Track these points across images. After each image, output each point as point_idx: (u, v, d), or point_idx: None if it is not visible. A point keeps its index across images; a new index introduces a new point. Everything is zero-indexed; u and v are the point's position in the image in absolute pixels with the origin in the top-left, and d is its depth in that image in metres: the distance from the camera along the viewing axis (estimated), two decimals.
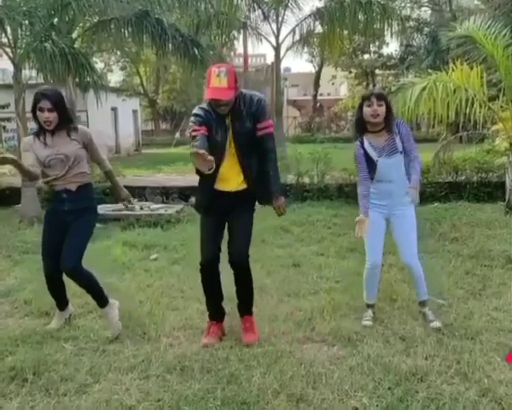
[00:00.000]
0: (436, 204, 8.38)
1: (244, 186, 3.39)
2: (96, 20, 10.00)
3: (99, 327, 3.71)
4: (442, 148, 8.13)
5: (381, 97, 3.54)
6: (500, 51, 6.75)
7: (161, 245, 6.14)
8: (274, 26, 14.61)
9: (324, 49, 16.45)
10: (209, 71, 3.21)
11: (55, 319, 3.78)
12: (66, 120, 3.52)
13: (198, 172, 3.18)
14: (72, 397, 2.80)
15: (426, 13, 26.44)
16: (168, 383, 2.92)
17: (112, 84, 27.69)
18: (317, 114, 34.57)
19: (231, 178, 3.36)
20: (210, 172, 2.99)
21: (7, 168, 13.24)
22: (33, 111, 3.46)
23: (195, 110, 3.33)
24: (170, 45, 10.17)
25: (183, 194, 9.48)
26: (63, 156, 3.47)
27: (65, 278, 3.62)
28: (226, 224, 3.47)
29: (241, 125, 3.28)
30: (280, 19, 14.54)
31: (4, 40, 8.67)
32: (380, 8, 13.08)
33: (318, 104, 36.10)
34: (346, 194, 8.64)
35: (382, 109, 3.52)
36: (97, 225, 7.06)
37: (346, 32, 14.30)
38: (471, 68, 6.85)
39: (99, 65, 25.65)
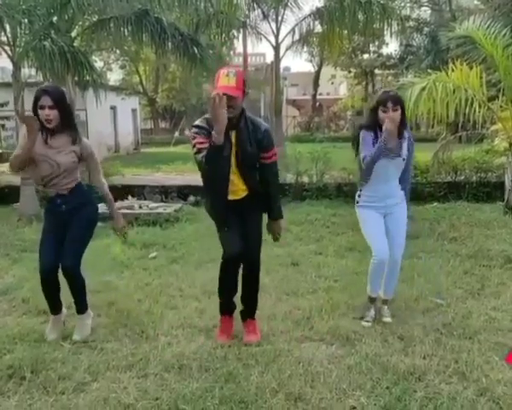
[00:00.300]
0: (435, 204, 8.39)
1: (248, 193, 3.41)
2: (95, 19, 9.98)
3: (97, 325, 3.70)
4: (441, 148, 8.13)
5: (397, 102, 3.46)
6: (499, 51, 6.75)
7: (160, 244, 6.13)
8: (273, 25, 14.61)
9: (324, 48, 16.46)
10: (218, 72, 3.22)
11: (50, 327, 3.58)
12: (68, 122, 3.43)
13: (209, 183, 3.30)
14: (70, 395, 2.80)
15: (425, 13, 26.51)
16: (166, 381, 2.92)
17: (111, 83, 27.66)
18: (317, 113, 34.59)
19: (235, 191, 3.37)
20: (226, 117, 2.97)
21: (6, 167, 13.25)
22: (34, 109, 3.37)
23: (199, 122, 3.26)
24: (169, 44, 10.16)
25: (181, 193, 9.48)
26: (54, 164, 3.38)
27: (60, 278, 3.55)
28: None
29: (245, 145, 3.26)
30: (279, 18, 14.54)
31: (3, 38, 8.66)
32: (379, 7, 13.08)
33: (318, 104, 36.11)
34: (344, 193, 8.64)
35: (398, 114, 3.46)
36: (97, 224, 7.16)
37: (345, 32, 14.27)
38: (470, 68, 6.85)
39: (98, 63, 25.60)
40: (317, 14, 14.07)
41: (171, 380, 2.93)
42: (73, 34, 10.07)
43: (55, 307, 3.59)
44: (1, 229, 7.17)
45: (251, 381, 2.87)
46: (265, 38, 14.95)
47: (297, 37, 14.80)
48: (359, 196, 3.76)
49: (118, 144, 23.53)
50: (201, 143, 3.16)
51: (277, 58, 15.00)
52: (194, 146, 3.21)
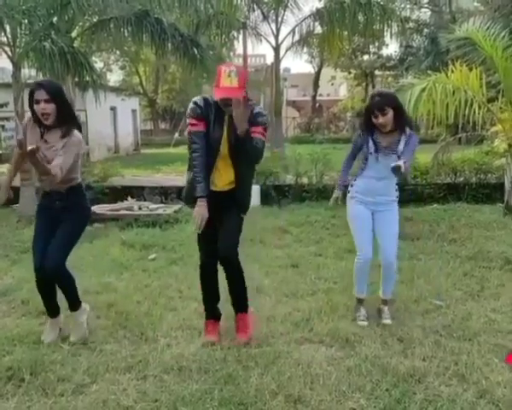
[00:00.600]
0: (435, 205, 8.39)
1: (232, 187, 3.38)
2: (95, 20, 9.99)
3: (96, 327, 3.70)
4: (441, 149, 8.14)
5: (381, 108, 3.45)
6: (499, 53, 6.75)
7: (160, 245, 6.13)
8: (273, 26, 14.59)
9: (324, 49, 16.41)
10: (218, 70, 3.20)
11: (47, 330, 3.54)
12: (65, 117, 3.30)
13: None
14: (69, 397, 2.80)
15: (425, 14, 26.50)
16: (165, 383, 2.92)
17: (111, 84, 27.68)
18: (317, 114, 34.62)
19: (220, 180, 3.36)
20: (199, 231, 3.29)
21: (5, 167, 13.25)
22: (30, 105, 3.27)
23: (197, 99, 3.29)
24: (169, 45, 10.17)
25: (181, 194, 9.45)
26: (45, 159, 3.18)
27: None
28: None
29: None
30: (279, 19, 14.52)
31: (3, 39, 8.66)
32: (379, 9, 13.07)
33: (317, 105, 36.17)
34: (344, 195, 8.62)
35: (388, 116, 3.46)
36: (96, 224, 7.17)
37: (345, 33, 14.25)
38: (470, 70, 6.86)
39: (98, 64, 25.64)
40: (317, 15, 14.06)
41: (171, 382, 2.92)
42: (73, 35, 10.08)
43: (51, 308, 3.54)
44: (0, 230, 7.17)
45: (250, 383, 2.86)
46: (265, 39, 14.95)
47: (297, 38, 14.78)
48: (352, 185, 3.81)
49: (117, 145, 23.53)
50: (193, 125, 3.24)
51: (277, 59, 14.99)
52: (187, 126, 3.30)
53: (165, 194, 9.55)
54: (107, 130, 22.07)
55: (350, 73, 33.81)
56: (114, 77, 35.24)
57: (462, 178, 9.16)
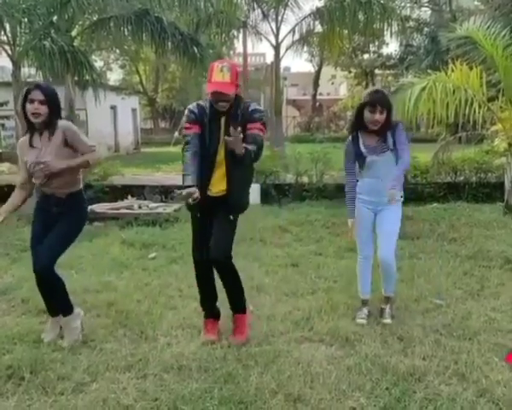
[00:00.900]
0: (435, 204, 8.39)
1: (224, 192, 3.35)
2: (95, 19, 10.01)
3: (96, 326, 3.70)
4: (441, 148, 8.14)
5: (384, 106, 3.46)
6: (499, 52, 6.75)
7: (160, 244, 6.13)
8: (273, 25, 14.59)
9: (324, 48, 16.44)
10: (211, 66, 3.22)
11: (48, 328, 3.53)
12: (53, 120, 3.30)
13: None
14: (68, 396, 2.79)
15: (426, 13, 26.48)
16: (165, 382, 2.91)
17: (111, 83, 27.74)
18: (317, 113, 34.58)
19: (216, 186, 3.34)
20: (193, 202, 3.12)
21: (5, 166, 13.25)
22: (23, 104, 3.27)
23: (191, 106, 3.35)
24: (169, 44, 10.18)
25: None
26: (42, 164, 3.25)
27: None
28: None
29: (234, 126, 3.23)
30: (279, 18, 14.52)
31: (3, 38, 8.68)
32: (380, 7, 13.06)
33: (318, 104, 36.12)
34: (344, 194, 8.62)
35: (383, 117, 3.48)
36: (96, 223, 7.17)
37: (345, 32, 14.25)
38: (470, 69, 6.85)
39: (98, 63, 25.63)
40: (318, 13, 14.06)
41: (171, 381, 2.92)
42: (73, 33, 10.09)
43: (51, 308, 3.53)
44: (0, 228, 7.16)
45: (250, 382, 2.86)
46: (265, 37, 14.95)
47: (297, 37, 14.78)
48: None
49: (118, 144, 23.53)
50: (187, 128, 3.29)
51: (277, 58, 14.99)
52: (180, 132, 3.35)
53: (165, 193, 9.54)
54: (108, 129, 22.08)
55: (350, 72, 33.77)
56: (114, 76, 35.31)
57: (462, 178, 9.16)
